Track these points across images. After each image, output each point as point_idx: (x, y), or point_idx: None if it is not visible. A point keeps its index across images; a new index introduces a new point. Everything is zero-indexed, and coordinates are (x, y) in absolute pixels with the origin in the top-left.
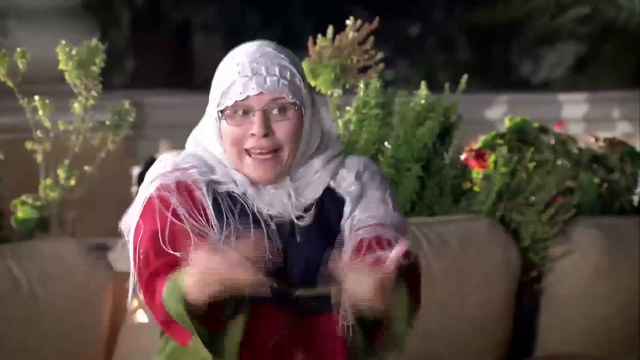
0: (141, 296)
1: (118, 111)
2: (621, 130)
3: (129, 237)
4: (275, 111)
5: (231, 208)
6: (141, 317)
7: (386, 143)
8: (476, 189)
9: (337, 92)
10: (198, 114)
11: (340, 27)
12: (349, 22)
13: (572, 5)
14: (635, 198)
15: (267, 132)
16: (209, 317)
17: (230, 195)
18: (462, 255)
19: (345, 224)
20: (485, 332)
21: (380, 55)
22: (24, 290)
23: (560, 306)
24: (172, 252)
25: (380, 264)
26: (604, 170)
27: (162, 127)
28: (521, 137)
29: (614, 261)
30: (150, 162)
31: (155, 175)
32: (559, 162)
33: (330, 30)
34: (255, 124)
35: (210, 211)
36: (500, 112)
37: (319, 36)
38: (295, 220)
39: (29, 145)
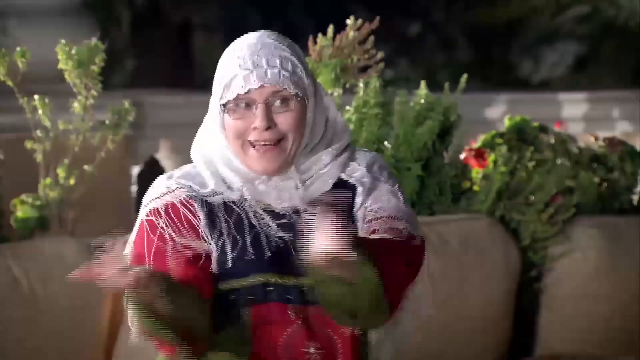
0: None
1: (118, 111)
2: (621, 129)
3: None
4: (277, 103)
5: (226, 218)
6: None
7: (386, 142)
8: (476, 188)
9: (337, 91)
10: (198, 114)
11: (340, 27)
12: (349, 21)
13: (572, 4)
14: (635, 197)
15: (270, 124)
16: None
17: (225, 204)
18: (462, 254)
19: (357, 214)
20: (485, 331)
21: (380, 55)
22: (24, 290)
23: (560, 305)
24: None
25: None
26: (603, 169)
27: (162, 126)
28: (521, 136)
29: (613, 261)
30: (150, 162)
31: (147, 201)
32: (559, 161)
33: (330, 29)
34: (257, 117)
35: (200, 228)
36: (500, 111)
37: (320, 35)
38: (303, 212)
39: (28, 144)
